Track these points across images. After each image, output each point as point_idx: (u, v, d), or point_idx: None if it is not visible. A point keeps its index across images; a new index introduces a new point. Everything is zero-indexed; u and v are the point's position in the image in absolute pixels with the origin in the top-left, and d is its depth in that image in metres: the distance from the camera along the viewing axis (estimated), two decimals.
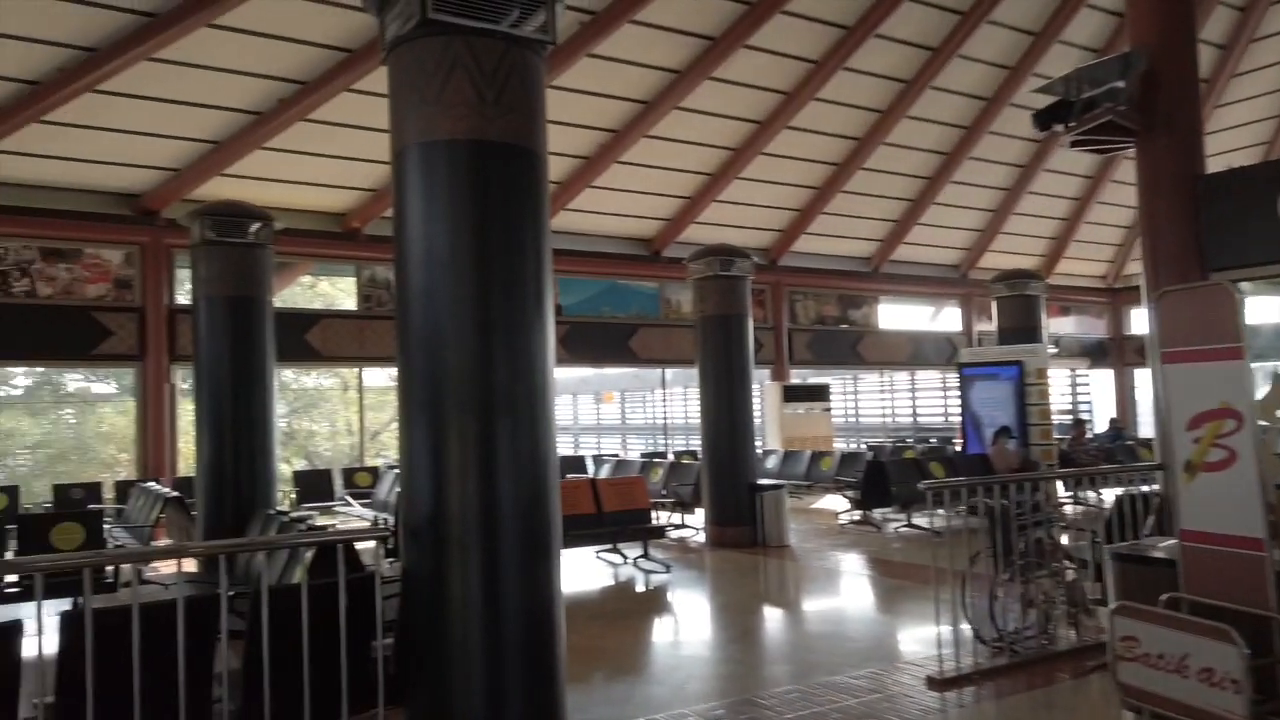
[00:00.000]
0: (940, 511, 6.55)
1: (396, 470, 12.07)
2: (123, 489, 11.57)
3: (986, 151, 17.33)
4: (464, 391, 3.91)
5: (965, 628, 5.73)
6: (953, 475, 11.65)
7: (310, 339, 13.61)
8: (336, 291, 18.35)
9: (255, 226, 8.31)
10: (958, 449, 15.59)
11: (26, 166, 11.42)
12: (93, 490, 11.73)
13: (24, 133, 10.70)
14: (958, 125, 16.69)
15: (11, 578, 6.23)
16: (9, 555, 7.09)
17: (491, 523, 3.87)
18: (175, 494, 9.18)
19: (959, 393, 14.57)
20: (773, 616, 7.76)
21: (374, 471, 13.27)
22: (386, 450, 18.55)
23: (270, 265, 8.48)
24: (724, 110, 14.39)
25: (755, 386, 12.13)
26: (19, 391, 17.24)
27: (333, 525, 12.23)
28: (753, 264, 12.08)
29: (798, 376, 18.84)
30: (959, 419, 15.13)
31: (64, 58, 10.19)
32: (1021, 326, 14.76)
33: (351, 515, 11.70)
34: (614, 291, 16.62)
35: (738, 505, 11.20)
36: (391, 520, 8.71)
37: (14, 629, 3.15)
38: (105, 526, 9.25)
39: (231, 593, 3.82)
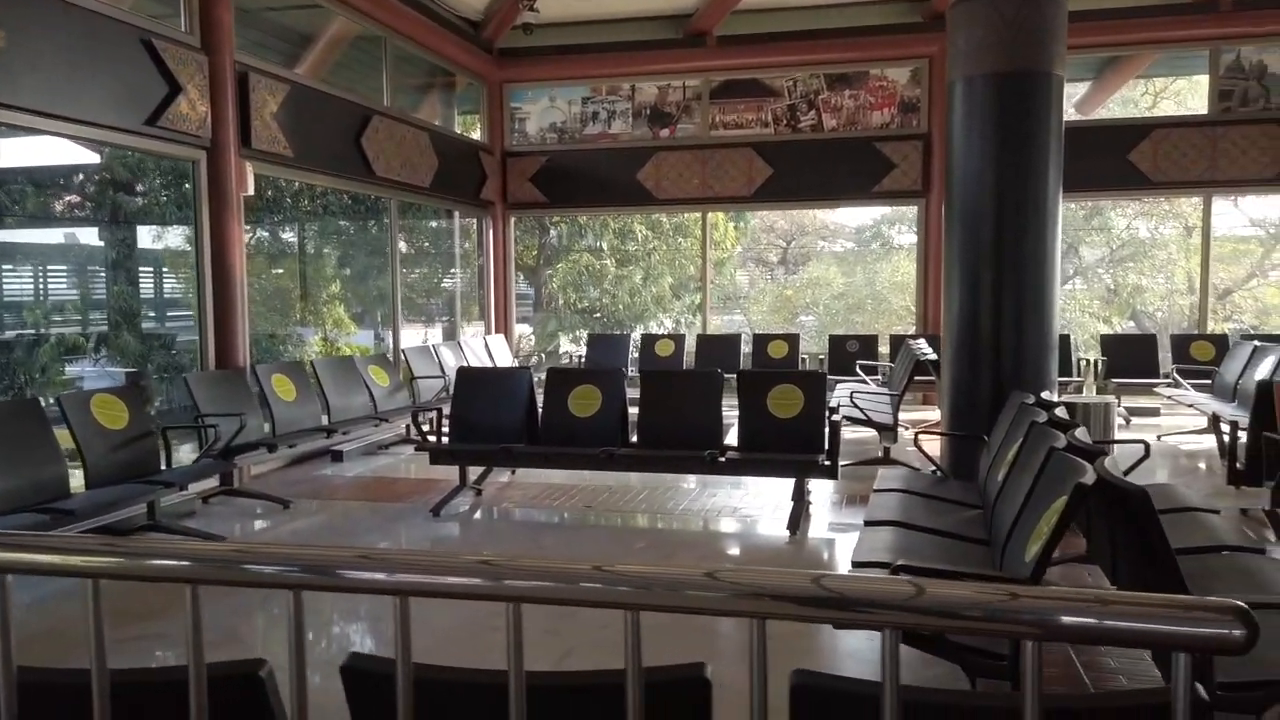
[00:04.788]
0: None
1: (1256, 344, 8.11)
2: (896, 344, 10.13)
3: None
4: None
5: None
6: None
7: (1135, 159, 10.11)
8: (1179, 110, 14.47)
9: None
10: None
11: None
12: (868, 344, 10.57)
13: None
14: None
15: None
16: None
17: None
18: (933, 356, 7.18)
19: None
20: None
21: (1219, 342, 9.43)
22: (1240, 314, 14.31)
23: (1064, 21, 5.56)
24: None
25: None
26: (850, 244, 17.36)
27: (1151, 428, 9.07)
28: None
29: None
30: None
31: None
32: None
33: (1181, 403, 8.30)
34: None
35: None
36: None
37: None
38: (853, 389, 7.82)
39: None
